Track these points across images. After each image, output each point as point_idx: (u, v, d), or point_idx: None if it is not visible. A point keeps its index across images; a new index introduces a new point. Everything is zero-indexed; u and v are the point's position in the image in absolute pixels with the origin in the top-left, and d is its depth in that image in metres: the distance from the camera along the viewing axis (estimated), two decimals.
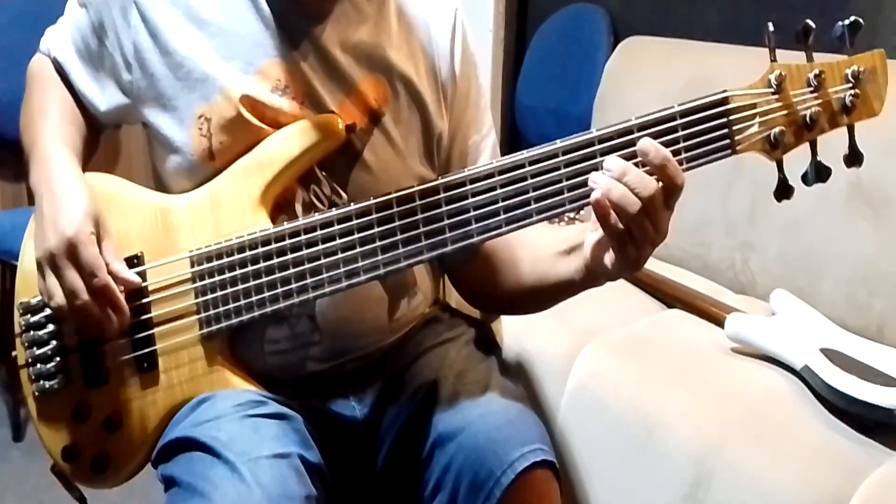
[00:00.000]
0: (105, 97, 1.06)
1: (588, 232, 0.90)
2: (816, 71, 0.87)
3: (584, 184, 0.86)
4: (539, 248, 1.03)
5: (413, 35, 1.05)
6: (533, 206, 0.88)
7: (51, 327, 1.01)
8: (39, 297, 0.99)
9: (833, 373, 1.28)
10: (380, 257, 0.92)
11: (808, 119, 0.87)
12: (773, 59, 0.88)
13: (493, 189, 0.89)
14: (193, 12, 0.99)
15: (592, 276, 0.92)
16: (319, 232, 0.93)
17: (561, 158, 0.88)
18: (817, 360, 1.32)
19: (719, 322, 1.53)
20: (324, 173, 1.00)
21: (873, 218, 1.53)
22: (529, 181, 0.88)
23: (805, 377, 1.33)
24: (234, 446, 0.87)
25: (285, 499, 0.84)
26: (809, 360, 1.33)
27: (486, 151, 1.12)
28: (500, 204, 0.89)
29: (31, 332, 1.01)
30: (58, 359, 1.01)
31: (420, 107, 1.05)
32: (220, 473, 0.85)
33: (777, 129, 0.87)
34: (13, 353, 1.03)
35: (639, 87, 2.07)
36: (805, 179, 0.90)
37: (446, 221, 0.90)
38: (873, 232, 1.53)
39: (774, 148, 0.88)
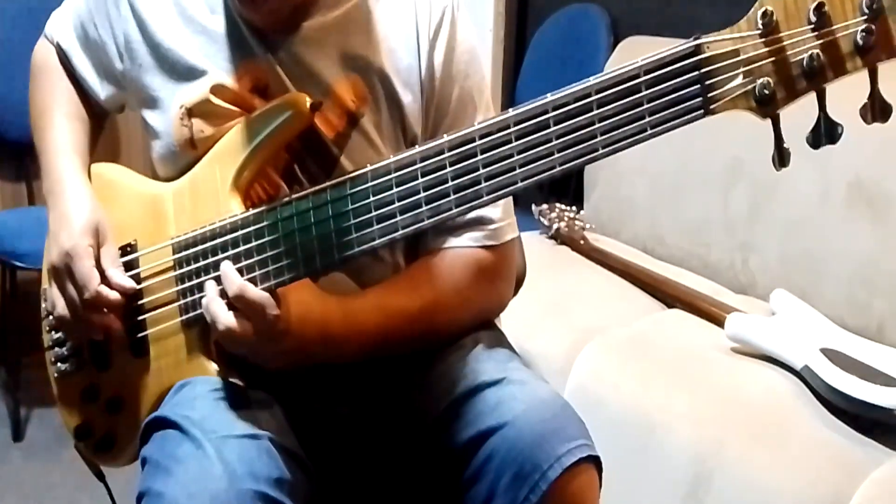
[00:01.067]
0: (102, 85, 1.09)
1: None
2: (817, 2, 0.69)
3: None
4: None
5: (395, 32, 1.03)
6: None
7: None
8: None
9: (833, 373, 1.28)
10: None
11: (804, 64, 0.70)
12: None
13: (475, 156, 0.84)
14: (181, 7, 1.01)
15: None
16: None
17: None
18: (817, 360, 1.32)
19: (719, 322, 1.53)
20: (305, 176, 1.00)
21: (873, 218, 1.53)
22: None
23: (805, 377, 1.33)
24: (205, 424, 0.88)
25: (249, 477, 0.83)
26: (809, 360, 1.33)
27: None
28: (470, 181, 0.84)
29: (51, 318, 1.05)
30: (70, 343, 1.05)
31: (397, 107, 1.02)
32: (186, 450, 0.85)
33: (763, 80, 0.71)
34: (41, 335, 1.09)
35: None
36: (811, 140, 0.73)
37: (422, 194, 0.86)
38: (873, 232, 1.53)
39: (763, 104, 0.72)
